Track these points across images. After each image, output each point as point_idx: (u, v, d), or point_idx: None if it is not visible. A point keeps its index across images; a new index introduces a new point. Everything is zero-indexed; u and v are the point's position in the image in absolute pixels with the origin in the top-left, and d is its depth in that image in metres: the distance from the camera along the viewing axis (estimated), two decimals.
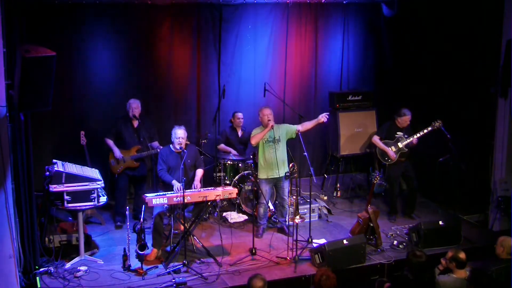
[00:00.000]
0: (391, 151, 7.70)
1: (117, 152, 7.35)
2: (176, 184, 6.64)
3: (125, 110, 7.45)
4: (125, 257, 6.32)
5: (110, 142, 7.41)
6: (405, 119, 7.66)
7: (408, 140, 7.64)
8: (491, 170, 7.68)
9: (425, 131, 7.55)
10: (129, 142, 7.42)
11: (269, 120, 7.05)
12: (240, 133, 8.47)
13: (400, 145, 7.67)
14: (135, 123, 7.44)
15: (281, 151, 7.18)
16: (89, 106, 8.24)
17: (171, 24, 8.46)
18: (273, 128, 7.04)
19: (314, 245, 6.89)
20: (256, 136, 7.11)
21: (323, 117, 7.10)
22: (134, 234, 6.43)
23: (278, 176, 7.18)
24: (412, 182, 7.88)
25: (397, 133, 7.73)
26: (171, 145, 6.91)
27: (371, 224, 6.96)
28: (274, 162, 7.13)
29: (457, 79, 8.17)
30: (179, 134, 6.73)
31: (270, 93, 7.90)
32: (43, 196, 6.51)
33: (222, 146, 8.37)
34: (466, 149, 7.77)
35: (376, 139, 7.89)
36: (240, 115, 8.40)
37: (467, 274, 5.15)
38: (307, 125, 7.25)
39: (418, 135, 7.59)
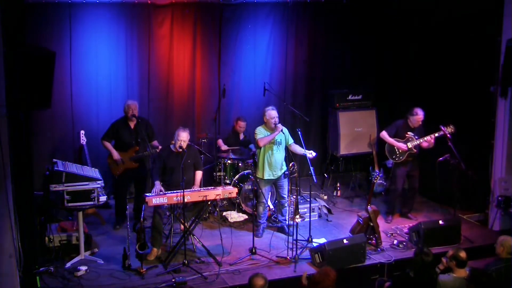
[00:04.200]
0: (403, 144, 7.55)
1: (115, 154, 7.34)
2: (157, 186, 6.60)
3: (122, 112, 7.43)
4: (125, 256, 6.32)
5: (109, 145, 7.40)
6: (416, 118, 7.50)
7: (418, 142, 7.52)
8: (491, 170, 7.68)
9: (436, 134, 7.41)
10: (127, 143, 7.41)
11: (276, 124, 7.04)
12: (241, 136, 8.50)
13: (409, 145, 7.58)
14: (133, 124, 7.43)
15: (281, 153, 7.19)
16: (88, 106, 8.24)
17: (171, 24, 8.46)
18: (282, 132, 7.05)
19: (314, 244, 6.89)
20: (264, 139, 7.09)
21: (310, 154, 7.07)
22: (134, 234, 6.43)
23: (277, 177, 7.22)
24: (414, 182, 7.84)
25: (408, 133, 7.61)
26: (171, 145, 6.91)
27: (371, 224, 6.96)
28: (274, 163, 7.15)
29: (457, 79, 8.16)
30: (182, 137, 6.72)
31: (270, 92, 7.91)
32: (43, 196, 6.51)
33: (219, 141, 8.40)
34: (466, 149, 7.76)
35: (384, 134, 7.74)
36: (243, 123, 8.42)
37: (467, 273, 5.15)
38: (296, 150, 7.24)
39: (428, 138, 7.45)
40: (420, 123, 7.59)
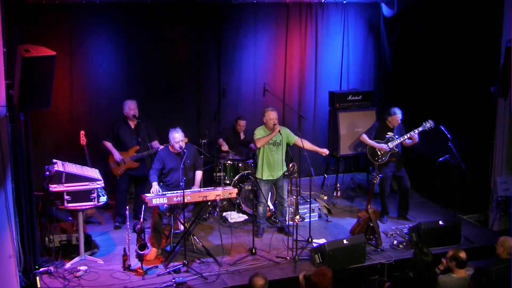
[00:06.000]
0: (384, 145, 7.60)
1: (116, 154, 7.35)
2: (154, 187, 6.62)
3: (123, 112, 7.43)
4: (125, 257, 6.32)
5: (109, 145, 7.41)
6: (395, 118, 7.57)
7: (399, 141, 7.57)
8: (491, 170, 7.67)
9: (416, 131, 7.47)
10: (127, 143, 7.42)
11: (274, 125, 7.04)
12: (242, 136, 8.49)
13: (391, 145, 7.61)
14: (133, 124, 7.43)
15: (281, 154, 7.18)
16: (89, 106, 8.24)
17: (171, 24, 8.46)
18: (280, 133, 7.05)
19: (314, 245, 6.89)
20: (262, 140, 7.10)
21: (325, 151, 7.19)
22: (134, 234, 6.43)
23: (277, 178, 7.22)
24: (403, 182, 7.82)
25: (388, 133, 7.66)
26: (169, 146, 6.91)
27: (371, 224, 6.96)
28: (274, 164, 7.15)
29: (457, 79, 8.16)
30: (178, 137, 6.73)
31: (270, 93, 7.90)
32: (43, 196, 6.50)
33: (220, 140, 8.40)
34: (466, 149, 7.76)
35: (364, 137, 7.83)
36: (243, 122, 8.42)
37: (467, 273, 5.15)
38: (308, 146, 7.24)
39: (409, 135, 7.51)
40: (399, 122, 7.62)
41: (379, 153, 7.70)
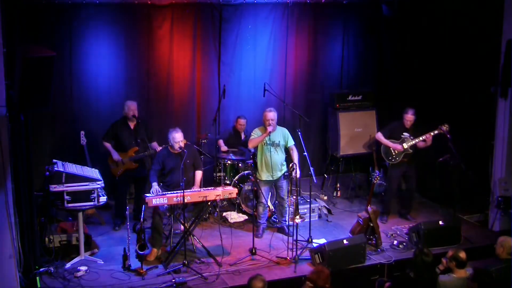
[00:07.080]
0: (398, 145, 7.59)
1: (115, 155, 7.35)
2: (154, 187, 6.63)
3: (122, 112, 7.44)
4: (125, 257, 6.32)
5: (109, 145, 7.41)
6: (406, 117, 7.57)
7: (413, 142, 7.55)
8: (491, 170, 7.67)
9: (432, 133, 7.45)
10: (127, 144, 7.41)
11: (269, 125, 7.03)
12: (242, 136, 8.49)
13: (405, 145, 7.60)
14: (132, 125, 7.43)
15: (280, 155, 7.17)
16: (89, 106, 8.23)
17: (171, 24, 8.45)
18: (269, 135, 7.02)
19: (314, 245, 6.89)
20: (253, 140, 7.10)
21: (295, 173, 6.82)
22: (134, 234, 6.43)
23: (276, 178, 7.21)
24: (411, 183, 7.85)
25: (403, 133, 7.66)
26: (169, 147, 6.90)
27: (371, 224, 6.96)
28: (272, 165, 7.13)
29: (457, 79, 8.16)
30: (178, 138, 6.74)
31: (270, 93, 7.90)
32: (43, 196, 6.50)
33: (220, 141, 8.40)
34: (466, 149, 7.76)
35: (379, 136, 7.81)
36: (243, 121, 8.42)
37: (467, 274, 5.16)
38: (294, 158, 7.14)
39: (424, 137, 7.48)
40: (412, 122, 7.60)
41: (393, 152, 7.69)
